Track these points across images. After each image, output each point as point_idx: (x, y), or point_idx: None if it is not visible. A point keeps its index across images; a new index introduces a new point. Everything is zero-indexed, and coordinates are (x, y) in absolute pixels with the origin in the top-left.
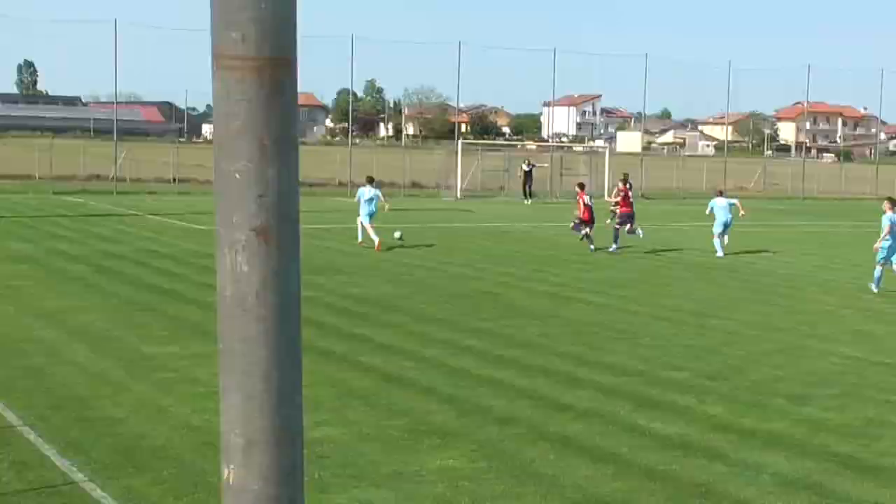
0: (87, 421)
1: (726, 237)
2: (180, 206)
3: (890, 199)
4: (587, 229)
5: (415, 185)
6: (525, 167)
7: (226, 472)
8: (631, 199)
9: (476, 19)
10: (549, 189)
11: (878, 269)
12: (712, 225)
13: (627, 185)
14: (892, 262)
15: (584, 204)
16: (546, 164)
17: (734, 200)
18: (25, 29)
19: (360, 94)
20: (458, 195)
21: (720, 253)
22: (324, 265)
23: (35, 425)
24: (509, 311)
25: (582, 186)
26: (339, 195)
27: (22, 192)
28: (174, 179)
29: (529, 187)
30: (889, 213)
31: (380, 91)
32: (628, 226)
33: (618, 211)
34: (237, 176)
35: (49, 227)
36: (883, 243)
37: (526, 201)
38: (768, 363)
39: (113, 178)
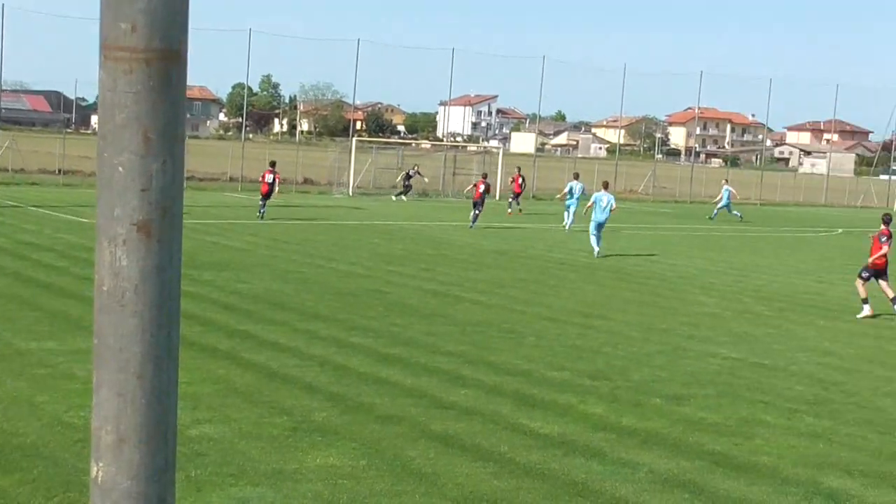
0: None
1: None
2: (65, 199)
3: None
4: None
5: (307, 181)
6: (411, 172)
7: (94, 469)
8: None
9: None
10: (441, 188)
11: None
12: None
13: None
14: None
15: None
16: (427, 179)
17: (612, 199)
18: None
19: (255, 88)
20: (351, 193)
21: (597, 250)
22: (211, 261)
23: None
24: (396, 310)
25: (485, 176)
26: (230, 190)
27: None
28: (59, 171)
29: (406, 188)
30: None
31: (276, 86)
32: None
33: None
34: (120, 169)
35: None
36: None
37: (393, 198)
38: (649, 364)
39: None
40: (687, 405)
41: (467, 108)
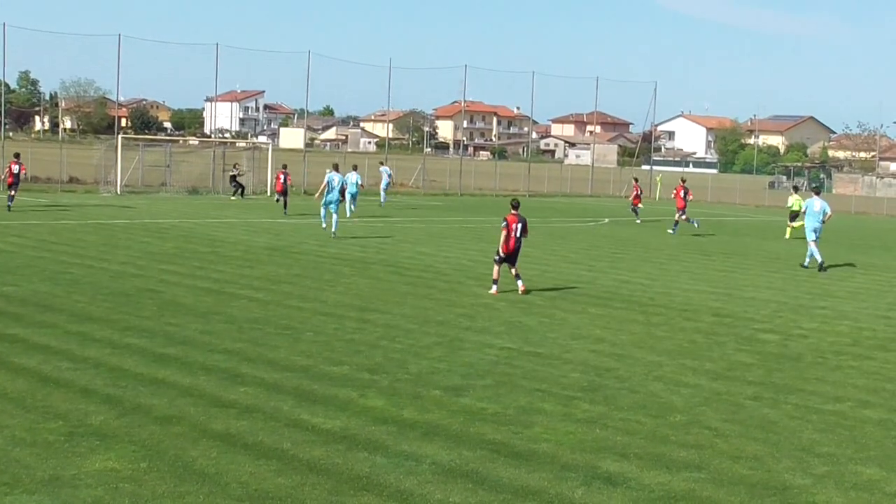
0: None
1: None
2: None
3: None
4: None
5: (73, 180)
6: (234, 172)
7: None
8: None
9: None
10: (212, 185)
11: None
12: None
13: None
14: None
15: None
16: (246, 170)
17: (826, 206)
18: None
19: (13, 85)
20: (119, 191)
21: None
22: None
23: None
24: (171, 309)
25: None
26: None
27: None
28: None
29: (236, 187)
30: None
31: (35, 83)
32: None
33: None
34: None
35: None
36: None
37: (232, 198)
38: (427, 356)
39: None
40: (466, 396)
41: (234, 103)
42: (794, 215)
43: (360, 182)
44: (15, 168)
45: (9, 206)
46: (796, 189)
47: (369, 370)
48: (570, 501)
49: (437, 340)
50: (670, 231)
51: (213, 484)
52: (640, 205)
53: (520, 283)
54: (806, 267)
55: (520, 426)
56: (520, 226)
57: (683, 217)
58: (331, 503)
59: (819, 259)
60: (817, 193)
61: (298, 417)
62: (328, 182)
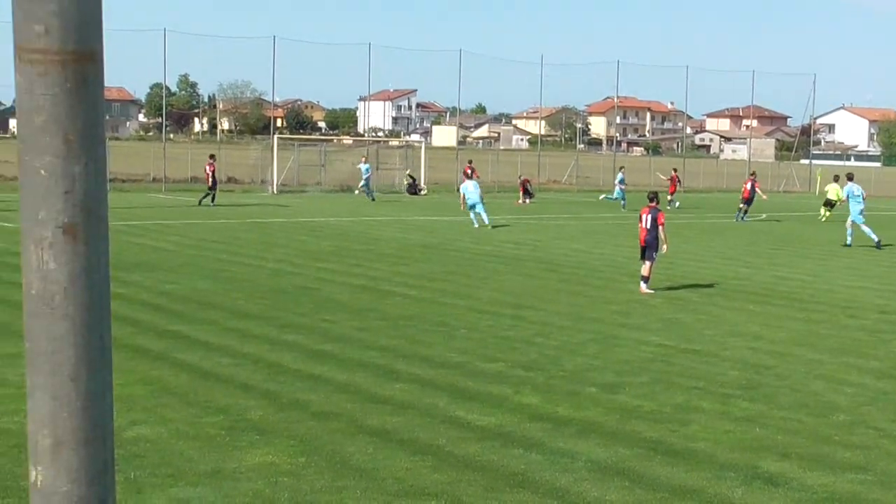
0: None
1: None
2: None
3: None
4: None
5: (231, 180)
6: (408, 179)
7: (33, 474)
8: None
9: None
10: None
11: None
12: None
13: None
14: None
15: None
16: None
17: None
18: None
19: (173, 88)
20: (275, 190)
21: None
22: (138, 262)
23: None
24: (327, 306)
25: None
26: (153, 191)
27: None
28: None
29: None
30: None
31: (193, 86)
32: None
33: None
34: (42, 172)
35: None
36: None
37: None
38: (582, 353)
39: None
40: (622, 393)
41: (387, 102)
42: (831, 203)
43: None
44: (209, 168)
45: (202, 203)
46: (836, 179)
47: (524, 367)
48: (729, 501)
49: (592, 337)
50: (740, 220)
51: (369, 479)
52: (675, 193)
53: (643, 285)
54: (849, 246)
55: (676, 424)
56: (649, 217)
57: (745, 208)
58: (486, 500)
59: (875, 237)
60: (851, 179)
61: (453, 414)
62: (462, 192)
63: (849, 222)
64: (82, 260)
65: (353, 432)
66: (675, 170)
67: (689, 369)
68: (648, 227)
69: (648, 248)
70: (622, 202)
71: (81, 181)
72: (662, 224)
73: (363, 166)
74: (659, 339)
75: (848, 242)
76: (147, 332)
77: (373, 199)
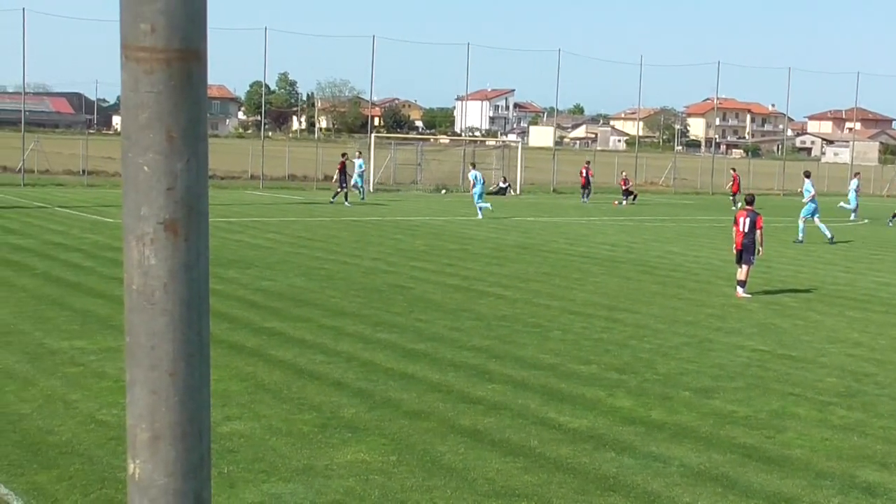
0: None
1: None
2: (89, 199)
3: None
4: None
5: (327, 178)
6: (503, 184)
7: (131, 466)
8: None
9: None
10: (461, 184)
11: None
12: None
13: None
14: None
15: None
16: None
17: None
18: None
19: (272, 87)
20: (371, 189)
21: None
22: (235, 258)
23: None
24: (421, 305)
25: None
26: (251, 188)
27: None
28: (83, 171)
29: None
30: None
31: (293, 84)
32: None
33: None
34: (145, 168)
35: None
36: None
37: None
38: (676, 356)
39: (20, 169)
40: (716, 398)
41: (484, 102)
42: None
43: (363, 168)
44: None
45: (332, 202)
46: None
47: (617, 370)
48: None
49: (687, 341)
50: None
51: (460, 479)
52: (737, 194)
53: (739, 289)
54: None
55: (772, 430)
56: (748, 220)
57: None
58: (577, 503)
59: (829, 234)
60: (808, 177)
61: (545, 415)
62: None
63: None
64: (182, 256)
65: (444, 432)
66: (735, 169)
67: (785, 375)
68: (746, 230)
69: (745, 252)
70: (853, 211)
71: (183, 178)
72: (761, 228)
73: (358, 161)
74: (755, 344)
75: None
76: (242, 329)
77: (362, 199)
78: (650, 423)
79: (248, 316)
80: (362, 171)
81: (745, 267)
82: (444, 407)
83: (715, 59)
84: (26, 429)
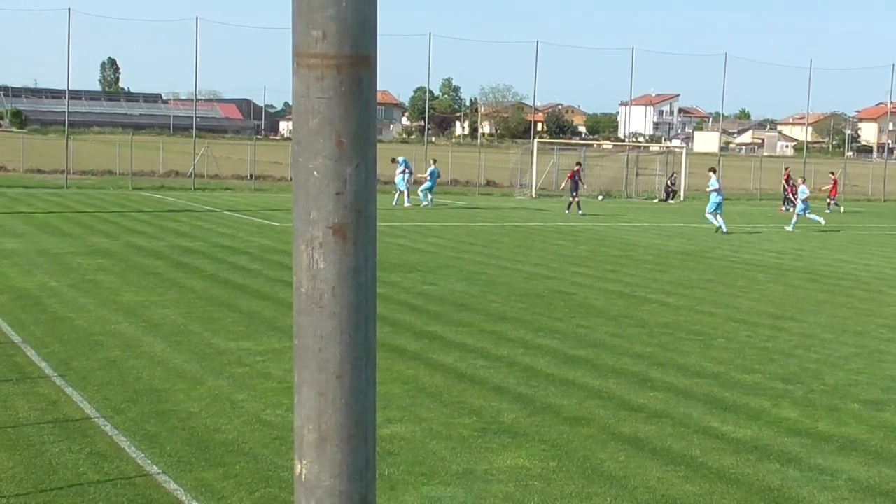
0: (162, 414)
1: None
2: (257, 203)
3: None
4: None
5: (490, 183)
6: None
7: (298, 467)
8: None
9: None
10: (624, 189)
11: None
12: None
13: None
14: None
15: None
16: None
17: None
18: (109, 27)
19: (436, 92)
20: (533, 194)
21: (724, 228)
22: (397, 263)
23: (111, 417)
24: (582, 311)
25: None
26: (413, 193)
27: (102, 188)
28: (251, 176)
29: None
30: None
31: (456, 90)
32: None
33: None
34: (315, 173)
35: (128, 223)
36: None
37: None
38: (845, 367)
39: (191, 174)
40: (887, 411)
41: (648, 107)
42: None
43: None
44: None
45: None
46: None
47: (783, 379)
48: None
49: (856, 351)
50: None
51: (620, 487)
52: (835, 196)
53: None
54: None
55: None
56: None
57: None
58: None
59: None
60: (714, 172)
61: (708, 424)
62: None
63: None
64: (350, 260)
65: (605, 439)
66: (833, 173)
67: None
68: None
69: None
70: None
71: (352, 182)
72: None
73: (431, 168)
74: None
75: None
76: (405, 332)
77: (394, 204)
78: (817, 434)
79: (410, 320)
80: (411, 177)
81: None
82: (604, 414)
83: (889, 62)
84: (194, 427)
